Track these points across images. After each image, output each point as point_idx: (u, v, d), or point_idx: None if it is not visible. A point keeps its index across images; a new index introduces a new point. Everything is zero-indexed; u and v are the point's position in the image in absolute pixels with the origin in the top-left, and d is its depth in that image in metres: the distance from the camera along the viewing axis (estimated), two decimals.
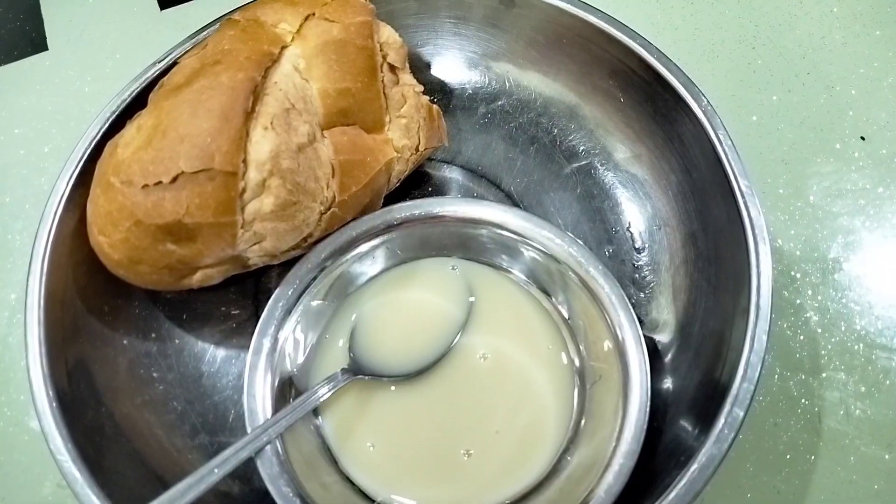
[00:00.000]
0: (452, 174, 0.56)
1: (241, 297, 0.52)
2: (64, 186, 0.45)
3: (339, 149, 0.43)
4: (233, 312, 0.52)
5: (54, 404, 0.42)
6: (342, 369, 0.46)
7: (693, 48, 0.61)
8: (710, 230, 0.48)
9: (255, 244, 0.43)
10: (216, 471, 0.39)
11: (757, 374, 0.40)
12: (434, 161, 0.57)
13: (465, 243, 0.49)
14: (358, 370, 0.46)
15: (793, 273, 0.52)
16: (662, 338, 0.48)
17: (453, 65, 0.58)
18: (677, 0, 0.64)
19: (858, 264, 0.53)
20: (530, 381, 0.46)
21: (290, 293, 0.45)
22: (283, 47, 0.43)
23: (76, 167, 0.46)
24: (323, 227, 0.45)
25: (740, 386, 0.40)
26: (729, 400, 0.39)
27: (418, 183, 0.56)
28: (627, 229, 0.52)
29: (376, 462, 0.45)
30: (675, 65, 0.49)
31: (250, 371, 0.43)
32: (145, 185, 0.38)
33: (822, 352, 0.50)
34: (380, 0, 0.50)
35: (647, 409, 0.41)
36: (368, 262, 0.49)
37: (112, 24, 0.67)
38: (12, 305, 0.53)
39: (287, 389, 0.45)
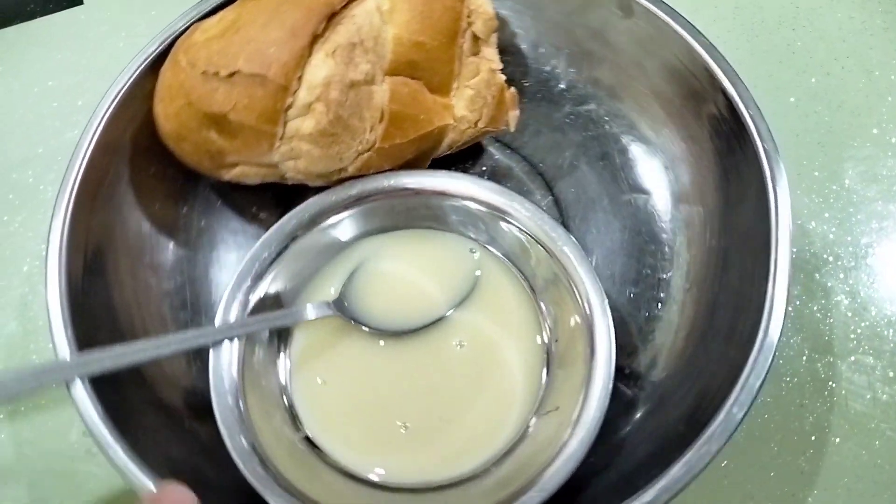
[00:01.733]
0: (510, 160, 0.54)
1: (275, 204, 0.51)
2: (88, 140, 0.45)
3: (395, 97, 0.43)
4: (261, 216, 0.53)
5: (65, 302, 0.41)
6: (328, 302, 0.45)
7: (732, 27, 0.60)
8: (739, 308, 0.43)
9: (290, 160, 0.43)
10: (171, 346, 0.40)
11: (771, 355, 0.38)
12: (499, 141, 0.55)
13: (439, 216, 0.48)
14: (342, 310, 0.45)
15: (825, 256, 0.51)
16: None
17: (552, 56, 0.55)
18: None
19: (891, 250, 0.52)
20: (506, 361, 0.45)
21: (264, 255, 0.44)
22: None
23: (104, 114, 0.45)
24: (357, 166, 0.45)
25: (756, 359, 0.38)
26: (742, 376, 0.38)
27: (471, 157, 0.54)
28: (659, 279, 0.49)
29: (321, 399, 0.45)
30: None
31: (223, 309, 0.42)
32: (205, 72, 0.40)
33: (852, 335, 0.49)
34: None
35: (611, 380, 0.40)
36: (341, 230, 0.47)
37: None
38: (42, 256, 0.53)
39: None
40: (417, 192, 0.46)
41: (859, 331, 0.49)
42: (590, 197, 0.53)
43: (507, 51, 0.54)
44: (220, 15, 0.43)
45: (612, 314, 0.42)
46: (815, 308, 0.50)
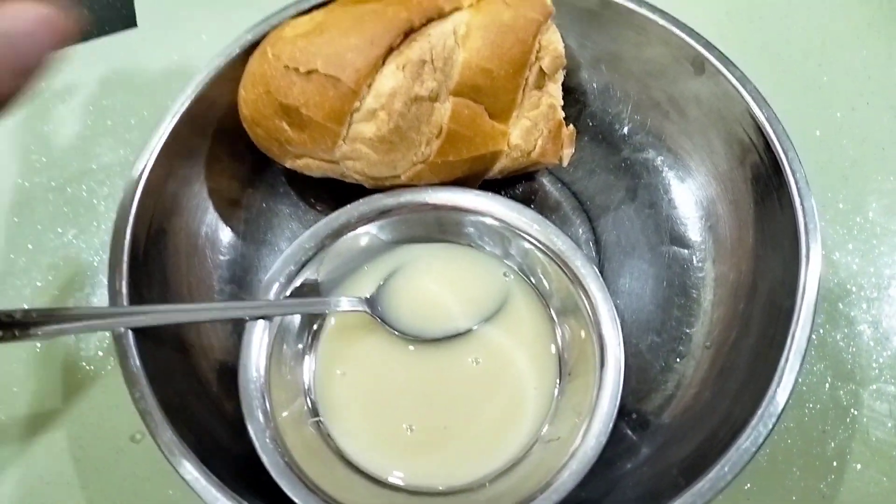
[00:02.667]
0: (559, 194, 0.55)
1: (331, 199, 0.52)
2: (175, 111, 0.47)
3: (455, 117, 0.45)
4: (318, 207, 0.55)
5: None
6: (361, 298, 0.47)
7: (760, 60, 0.61)
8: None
9: (349, 160, 0.46)
10: (212, 312, 0.44)
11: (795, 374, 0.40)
12: (552, 174, 0.56)
13: (456, 231, 0.49)
14: (373, 308, 0.47)
15: (848, 286, 0.52)
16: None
17: (619, 102, 0.55)
18: (746, 13, 0.64)
19: None
20: (517, 386, 0.46)
21: (310, 245, 0.46)
22: (457, 9, 0.44)
23: (193, 91, 0.48)
24: (409, 175, 0.47)
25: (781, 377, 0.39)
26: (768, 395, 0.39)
27: (522, 185, 0.55)
28: (683, 333, 0.49)
29: (337, 389, 0.46)
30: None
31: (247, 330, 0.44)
32: (286, 66, 0.43)
33: (874, 364, 0.50)
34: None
35: (613, 419, 0.41)
36: (381, 235, 0.49)
37: (199, 5, 0.68)
38: (94, 267, 0.55)
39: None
40: (436, 207, 0.47)
41: (881, 360, 0.50)
42: (630, 242, 0.53)
43: (577, 90, 0.56)
44: (311, 15, 0.46)
45: (630, 359, 0.44)
46: (839, 337, 0.51)
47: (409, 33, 0.43)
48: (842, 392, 0.49)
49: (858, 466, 0.47)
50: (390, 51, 0.43)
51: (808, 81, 0.61)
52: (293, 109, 0.44)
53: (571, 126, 0.51)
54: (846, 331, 0.51)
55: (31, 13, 0.30)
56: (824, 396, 0.49)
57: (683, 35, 0.50)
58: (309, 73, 0.43)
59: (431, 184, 0.48)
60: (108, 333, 0.52)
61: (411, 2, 0.44)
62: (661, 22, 0.51)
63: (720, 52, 0.50)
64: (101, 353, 0.52)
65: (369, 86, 0.43)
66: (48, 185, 0.59)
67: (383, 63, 0.43)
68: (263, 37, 0.49)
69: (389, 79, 0.43)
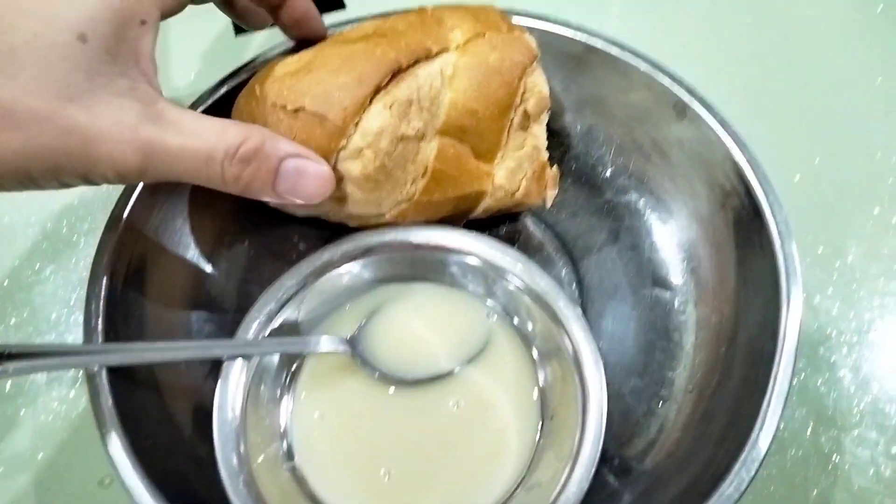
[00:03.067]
0: (542, 235, 0.54)
1: (315, 238, 0.52)
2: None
3: (440, 156, 0.45)
4: (301, 247, 0.54)
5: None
6: (342, 338, 0.46)
7: (740, 106, 0.60)
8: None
9: (334, 199, 0.45)
10: (188, 351, 0.42)
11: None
12: (535, 215, 0.55)
13: (440, 270, 0.48)
14: (354, 349, 0.46)
15: (828, 331, 0.52)
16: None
17: (603, 144, 0.55)
18: (726, 59, 0.65)
19: (893, 325, 0.53)
20: (499, 430, 0.45)
21: (291, 283, 0.45)
22: (444, 50, 0.45)
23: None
24: (394, 214, 0.47)
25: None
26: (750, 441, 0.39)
27: (505, 226, 0.55)
28: (665, 377, 0.48)
29: (314, 432, 0.45)
30: None
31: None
32: (273, 104, 0.42)
33: (855, 410, 0.49)
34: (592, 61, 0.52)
35: (594, 465, 0.40)
36: (362, 275, 0.48)
37: (190, 48, 0.68)
38: (71, 305, 0.53)
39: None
40: (419, 246, 0.47)
41: (862, 406, 0.50)
42: (612, 283, 0.53)
43: (561, 132, 0.56)
44: (300, 53, 0.46)
45: (612, 402, 0.42)
46: (820, 382, 0.50)
47: (396, 73, 0.43)
48: (823, 438, 0.49)
49: None
50: (378, 90, 0.43)
51: (787, 127, 0.62)
52: None
53: (555, 168, 0.51)
54: (827, 375, 0.51)
55: (323, 179, 0.39)
56: (806, 443, 0.48)
57: (666, 80, 0.51)
58: (296, 110, 0.42)
59: (415, 223, 0.47)
60: (80, 372, 0.51)
61: (399, 42, 0.44)
62: (644, 67, 0.51)
63: (701, 96, 0.50)
64: (72, 393, 0.50)
65: (356, 124, 0.43)
66: (28, 220, 0.58)
67: (370, 102, 0.43)
68: (252, 75, 0.49)
69: (377, 118, 0.43)
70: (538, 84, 0.48)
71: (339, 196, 0.45)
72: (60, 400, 0.50)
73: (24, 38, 0.32)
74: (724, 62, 0.66)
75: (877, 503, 0.46)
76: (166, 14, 0.38)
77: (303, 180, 0.39)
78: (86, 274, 0.45)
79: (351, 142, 0.43)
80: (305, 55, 0.45)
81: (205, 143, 0.36)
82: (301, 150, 0.40)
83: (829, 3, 0.69)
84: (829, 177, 0.59)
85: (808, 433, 0.49)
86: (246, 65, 0.51)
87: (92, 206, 0.58)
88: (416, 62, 0.44)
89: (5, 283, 0.55)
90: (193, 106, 0.49)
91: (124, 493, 0.38)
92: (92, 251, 0.45)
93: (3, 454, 0.49)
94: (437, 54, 0.45)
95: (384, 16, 0.49)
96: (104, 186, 0.57)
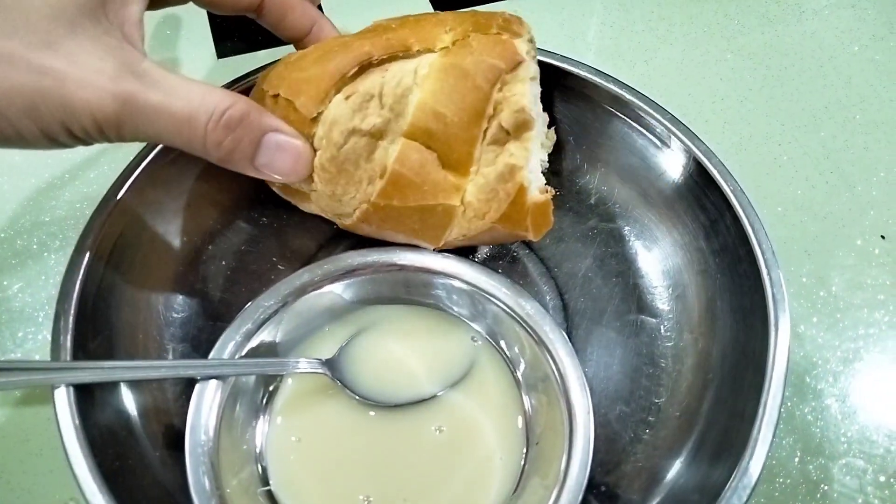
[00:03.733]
0: (527, 260, 0.54)
1: (294, 258, 0.51)
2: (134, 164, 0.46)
3: (401, 159, 0.42)
4: (279, 266, 0.52)
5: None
6: (321, 360, 0.44)
7: (722, 140, 0.62)
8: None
9: (312, 192, 0.44)
10: (161, 370, 0.40)
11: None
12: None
13: (424, 293, 0.47)
14: (333, 371, 0.44)
15: (814, 359, 0.51)
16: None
17: (589, 172, 0.55)
18: (708, 95, 0.65)
19: (878, 355, 0.52)
20: (482, 457, 0.43)
21: (270, 303, 0.44)
22: (428, 50, 0.42)
23: (122, 190, 0.46)
24: (358, 216, 0.44)
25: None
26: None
27: (488, 247, 0.53)
28: (652, 403, 0.47)
29: (291, 456, 0.43)
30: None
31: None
32: (263, 90, 0.42)
33: (843, 438, 0.49)
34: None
35: (581, 493, 0.39)
36: (345, 295, 0.47)
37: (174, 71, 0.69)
38: (39, 322, 0.51)
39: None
40: (403, 268, 0.46)
41: (850, 434, 0.49)
42: (598, 310, 0.52)
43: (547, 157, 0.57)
44: (305, 49, 0.45)
45: (598, 429, 0.42)
46: (807, 410, 0.49)
47: (366, 66, 0.41)
48: (811, 466, 0.48)
49: None
50: (344, 81, 0.41)
51: (769, 160, 0.62)
52: None
53: (545, 197, 0.43)
54: (814, 404, 0.50)
55: (301, 157, 0.38)
56: (794, 471, 0.48)
57: (651, 110, 0.50)
58: (275, 96, 0.42)
59: (382, 231, 0.45)
60: (46, 390, 0.48)
61: (381, 37, 0.42)
62: (629, 97, 0.50)
63: (685, 126, 0.50)
64: (38, 413, 0.48)
65: (320, 114, 0.41)
66: None
67: (336, 92, 0.41)
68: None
69: (334, 108, 0.41)
70: (517, 94, 0.42)
71: (311, 184, 0.44)
72: (24, 420, 0.48)
73: None
74: (705, 99, 0.65)
75: None
76: None
77: (282, 155, 0.38)
78: (55, 291, 0.43)
79: (316, 131, 0.42)
80: (307, 50, 0.44)
81: (188, 103, 0.35)
82: (284, 127, 0.39)
83: (807, 41, 0.69)
84: (811, 209, 0.59)
85: (796, 462, 0.48)
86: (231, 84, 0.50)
87: (63, 223, 0.57)
88: (392, 58, 0.42)
89: None
90: None
91: None
92: (62, 269, 0.44)
93: None
94: (419, 53, 0.42)
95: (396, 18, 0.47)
96: (77, 204, 0.57)
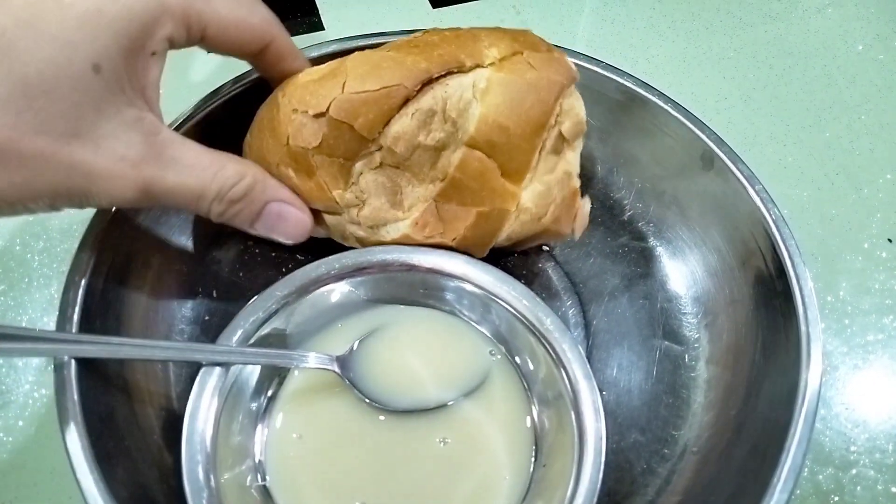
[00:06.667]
0: (552, 273, 0.45)
1: (314, 249, 0.42)
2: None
3: (463, 167, 0.36)
4: (299, 255, 0.44)
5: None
6: (332, 356, 0.36)
7: (726, 140, 0.56)
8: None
9: (354, 206, 0.37)
10: (167, 351, 0.35)
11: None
12: (547, 252, 0.45)
13: (440, 297, 0.39)
14: (342, 369, 0.36)
15: (822, 367, 0.45)
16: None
17: (624, 187, 0.47)
18: (712, 94, 0.56)
19: (887, 361, 0.43)
20: (486, 475, 0.36)
21: (282, 294, 0.37)
22: (479, 65, 0.37)
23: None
24: (411, 223, 0.37)
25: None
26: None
27: (513, 256, 0.45)
28: (669, 435, 0.39)
29: (290, 453, 0.36)
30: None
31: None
32: (295, 109, 0.36)
33: (853, 448, 0.40)
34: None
35: (597, 494, 0.32)
36: (360, 292, 0.39)
37: (384, 22, 0.59)
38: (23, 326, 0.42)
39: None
40: (421, 269, 0.37)
41: (859, 443, 0.40)
42: (621, 331, 0.42)
43: (582, 170, 0.44)
44: (325, 64, 0.38)
45: (609, 456, 0.34)
46: (816, 419, 0.44)
47: (426, 83, 0.35)
48: (821, 477, 0.39)
49: None
50: (406, 101, 0.35)
51: (774, 161, 0.52)
52: (300, 155, 0.36)
53: (587, 198, 0.40)
54: (822, 412, 0.40)
55: (301, 223, 0.37)
56: (805, 482, 0.38)
57: (694, 128, 0.41)
58: (318, 115, 0.35)
59: (434, 236, 0.37)
60: (47, 391, 0.39)
61: (432, 53, 0.36)
62: (674, 113, 0.42)
63: (730, 148, 0.40)
64: (21, 422, 0.39)
65: (380, 132, 0.35)
66: None
67: (398, 112, 0.35)
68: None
69: (398, 123, 0.35)
70: (575, 107, 0.39)
71: (359, 201, 0.37)
72: (7, 431, 0.40)
73: (37, 67, 0.27)
74: (708, 99, 0.56)
75: None
76: (174, 46, 0.33)
77: (281, 223, 0.36)
78: (38, 295, 0.35)
79: (374, 146, 0.36)
80: (331, 65, 0.37)
81: (200, 181, 0.33)
82: (286, 196, 0.36)
83: (810, 40, 0.60)
84: (817, 211, 0.49)
85: (806, 472, 0.39)
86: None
87: (47, 223, 0.45)
88: (448, 73, 0.36)
89: None
90: (197, 110, 0.40)
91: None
92: (46, 271, 0.36)
93: None
94: (471, 69, 0.37)
95: (425, 30, 0.41)
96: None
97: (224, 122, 0.39)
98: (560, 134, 0.38)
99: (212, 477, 0.32)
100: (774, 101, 0.55)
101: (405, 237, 0.37)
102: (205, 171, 0.33)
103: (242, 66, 0.38)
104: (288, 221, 0.36)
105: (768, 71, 0.57)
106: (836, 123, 0.54)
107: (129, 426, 0.35)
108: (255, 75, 0.40)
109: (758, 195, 0.39)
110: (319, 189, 0.36)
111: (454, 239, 0.37)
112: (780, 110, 0.55)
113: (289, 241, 0.36)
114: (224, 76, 0.40)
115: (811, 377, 0.33)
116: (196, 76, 0.54)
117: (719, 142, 0.40)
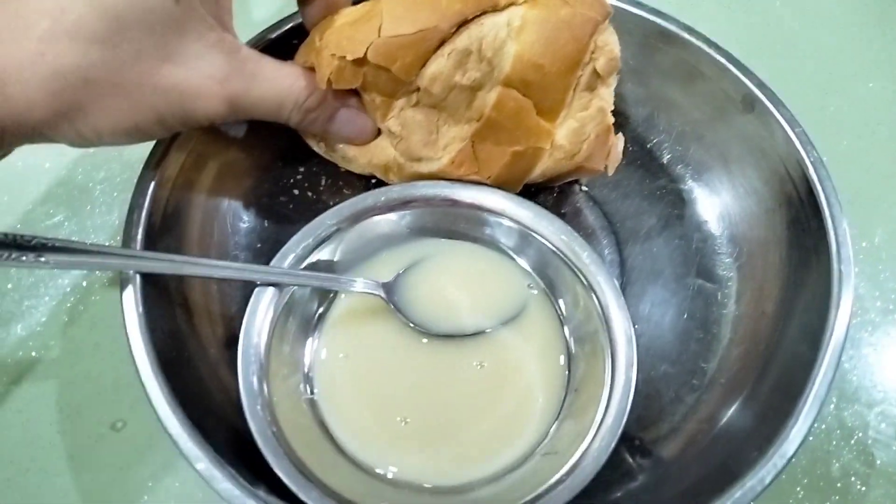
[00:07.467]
0: (590, 213, 0.45)
1: (360, 184, 0.45)
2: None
3: (499, 106, 0.36)
4: (346, 190, 0.45)
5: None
6: (378, 282, 0.37)
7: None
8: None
9: (396, 137, 0.38)
10: (225, 270, 0.36)
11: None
12: (586, 192, 0.45)
13: (480, 231, 0.40)
14: (388, 294, 0.37)
15: (854, 309, 0.42)
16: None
17: (664, 130, 0.46)
18: (755, 42, 0.54)
19: None
20: (522, 397, 0.37)
21: (332, 223, 0.38)
22: (512, 4, 0.37)
23: None
24: (450, 156, 0.38)
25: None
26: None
27: (552, 195, 0.45)
28: (698, 367, 0.40)
29: (335, 371, 0.37)
30: None
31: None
32: (332, 55, 0.36)
33: (879, 387, 0.40)
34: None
35: (615, 441, 0.33)
36: (406, 224, 0.40)
37: None
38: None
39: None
40: (454, 202, 0.38)
41: (886, 383, 0.40)
42: (656, 269, 0.42)
43: (622, 113, 0.44)
44: (362, 4, 0.38)
45: (640, 385, 0.34)
46: (844, 358, 0.39)
47: (461, 24, 0.35)
48: (846, 413, 0.39)
49: (863, 489, 0.37)
50: (442, 43, 0.35)
51: (815, 110, 0.50)
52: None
53: (620, 135, 0.39)
54: (851, 353, 0.41)
55: (367, 126, 0.40)
56: (829, 417, 0.39)
57: (736, 71, 0.41)
58: (356, 61, 0.35)
59: (470, 174, 0.37)
60: (99, 314, 0.41)
61: None
62: (716, 56, 0.41)
63: (771, 91, 0.39)
64: (85, 337, 0.41)
65: (417, 74, 0.35)
66: (42, 166, 0.46)
67: (434, 52, 0.35)
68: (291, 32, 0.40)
69: (435, 64, 0.35)
70: (609, 43, 0.38)
71: (401, 133, 0.38)
72: (73, 344, 0.41)
73: (125, 1, 0.30)
74: (749, 47, 0.57)
75: None
76: None
77: (350, 125, 0.38)
78: (100, 221, 0.37)
79: (412, 87, 0.36)
80: (366, 6, 0.37)
81: (279, 93, 0.35)
82: (353, 103, 0.38)
83: None
84: (856, 159, 0.48)
85: (832, 408, 0.39)
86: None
87: (108, 153, 0.46)
88: (482, 13, 0.35)
89: (17, 227, 0.44)
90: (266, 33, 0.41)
91: (137, 435, 0.32)
92: (107, 199, 0.38)
93: (15, 394, 0.40)
94: (505, 7, 0.36)
95: None
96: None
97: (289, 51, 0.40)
98: (594, 70, 0.37)
99: (265, 386, 0.33)
100: (819, 50, 0.54)
101: (441, 172, 0.38)
102: (283, 83, 0.35)
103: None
104: (355, 124, 0.38)
105: (814, 19, 0.55)
106: (880, 73, 0.52)
107: (189, 339, 0.36)
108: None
109: (797, 137, 0.38)
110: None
111: (489, 177, 0.37)
112: (823, 59, 0.53)
113: (355, 141, 0.39)
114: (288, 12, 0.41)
115: (841, 313, 0.34)
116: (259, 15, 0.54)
117: (761, 85, 0.39)
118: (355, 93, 0.36)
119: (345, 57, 0.34)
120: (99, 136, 0.30)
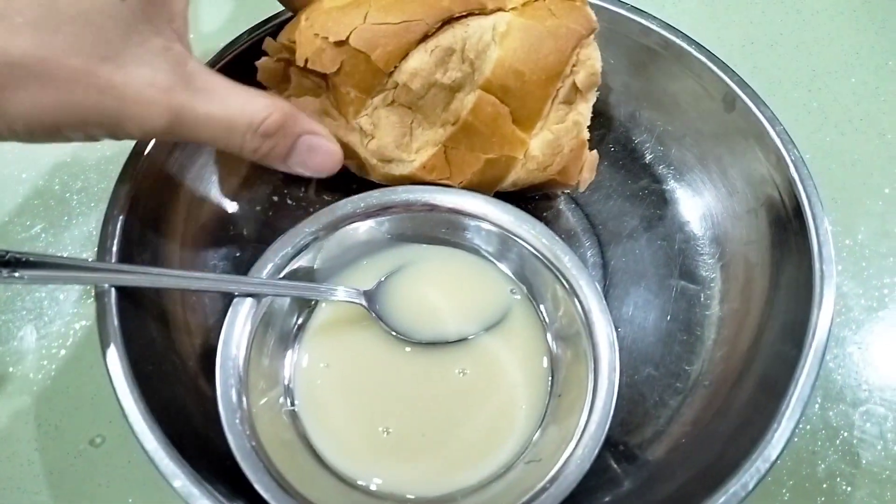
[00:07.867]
0: (572, 215, 0.44)
1: (341, 190, 0.42)
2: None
3: (476, 111, 0.36)
4: (326, 196, 0.44)
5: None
6: (359, 290, 0.36)
7: (750, 85, 0.54)
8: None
9: (368, 136, 0.37)
10: (202, 282, 0.35)
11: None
12: (568, 194, 0.45)
13: (462, 236, 0.39)
14: (369, 302, 0.36)
15: (838, 307, 0.41)
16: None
17: (646, 130, 0.46)
18: (737, 39, 0.54)
19: None
20: (504, 405, 0.37)
21: (310, 230, 0.37)
22: (500, 9, 0.36)
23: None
24: (422, 160, 0.37)
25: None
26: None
27: (534, 198, 0.45)
28: (682, 370, 0.39)
29: (317, 380, 0.36)
30: None
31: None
32: (316, 34, 0.35)
33: (864, 386, 0.39)
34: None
35: (598, 447, 0.32)
36: (387, 230, 0.39)
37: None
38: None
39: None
40: (433, 207, 0.38)
41: (871, 382, 0.40)
42: (638, 271, 0.42)
43: (604, 114, 0.44)
44: None
45: (623, 389, 0.34)
46: (829, 357, 0.40)
47: (446, 22, 0.35)
48: (832, 413, 0.39)
49: (849, 489, 0.37)
50: (425, 37, 0.34)
51: (798, 107, 0.50)
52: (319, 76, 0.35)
53: (595, 152, 0.39)
54: (836, 351, 0.40)
55: (334, 156, 0.36)
56: (814, 417, 0.38)
57: (717, 70, 0.40)
58: (339, 43, 0.35)
59: (442, 178, 0.37)
60: (87, 322, 0.41)
61: None
62: (697, 55, 0.41)
63: (752, 89, 0.39)
64: (63, 351, 0.40)
65: (396, 66, 0.35)
66: (18, 176, 0.45)
67: (415, 47, 0.35)
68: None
69: (415, 59, 0.35)
70: (592, 58, 0.38)
71: (372, 130, 0.37)
72: (51, 358, 0.41)
73: None
74: (735, 43, 0.54)
75: (885, 478, 0.37)
76: None
77: (313, 156, 0.35)
78: (77, 232, 0.35)
79: (390, 79, 0.35)
80: None
81: (229, 113, 0.31)
82: (317, 128, 0.35)
83: None
84: (839, 156, 0.47)
85: (817, 408, 0.39)
86: (272, 18, 0.40)
87: (85, 163, 0.45)
88: (469, 14, 0.35)
89: None
90: (221, 55, 0.40)
91: (117, 451, 0.31)
92: (85, 209, 0.36)
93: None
94: (492, 12, 0.36)
95: None
96: (99, 145, 0.43)
97: (242, 73, 0.38)
98: (574, 84, 0.37)
99: (244, 399, 0.33)
100: (801, 47, 0.54)
101: (413, 176, 0.37)
102: (234, 101, 0.32)
103: (255, 17, 0.39)
104: (319, 154, 0.35)
105: (795, 16, 0.55)
106: (863, 69, 0.52)
107: (166, 352, 0.35)
108: (269, 26, 0.41)
109: (778, 136, 0.38)
110: (337, 107, 0.36)
111: (460, 182, 0.37)
112: (805, 55, 0.53)
113: (321, 174, 0.36)
114: (237, 27, 0.42)
115: (823, 312, 0.33)
116: (206, 27, 0.54)
117: (742, 84, 0.39)
118: (320, 117, 0.37)
119: (327, 38, 0.34)
120: (10, 128, 0.28)
